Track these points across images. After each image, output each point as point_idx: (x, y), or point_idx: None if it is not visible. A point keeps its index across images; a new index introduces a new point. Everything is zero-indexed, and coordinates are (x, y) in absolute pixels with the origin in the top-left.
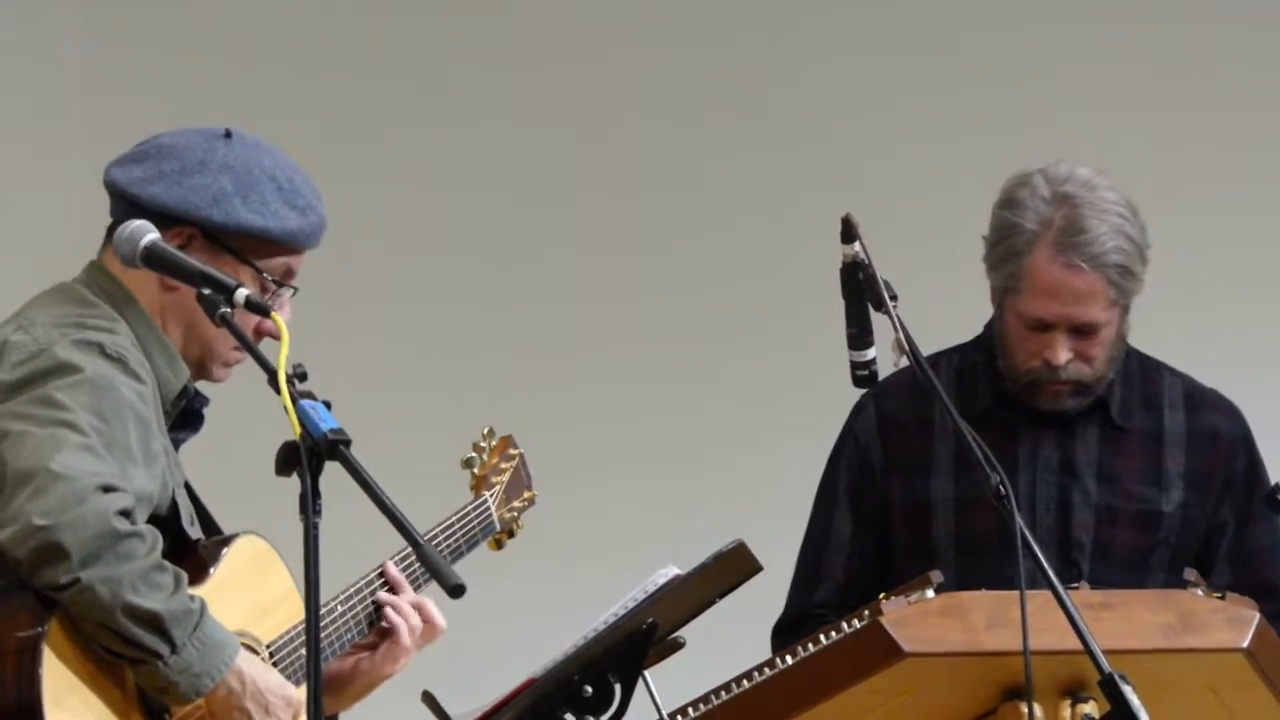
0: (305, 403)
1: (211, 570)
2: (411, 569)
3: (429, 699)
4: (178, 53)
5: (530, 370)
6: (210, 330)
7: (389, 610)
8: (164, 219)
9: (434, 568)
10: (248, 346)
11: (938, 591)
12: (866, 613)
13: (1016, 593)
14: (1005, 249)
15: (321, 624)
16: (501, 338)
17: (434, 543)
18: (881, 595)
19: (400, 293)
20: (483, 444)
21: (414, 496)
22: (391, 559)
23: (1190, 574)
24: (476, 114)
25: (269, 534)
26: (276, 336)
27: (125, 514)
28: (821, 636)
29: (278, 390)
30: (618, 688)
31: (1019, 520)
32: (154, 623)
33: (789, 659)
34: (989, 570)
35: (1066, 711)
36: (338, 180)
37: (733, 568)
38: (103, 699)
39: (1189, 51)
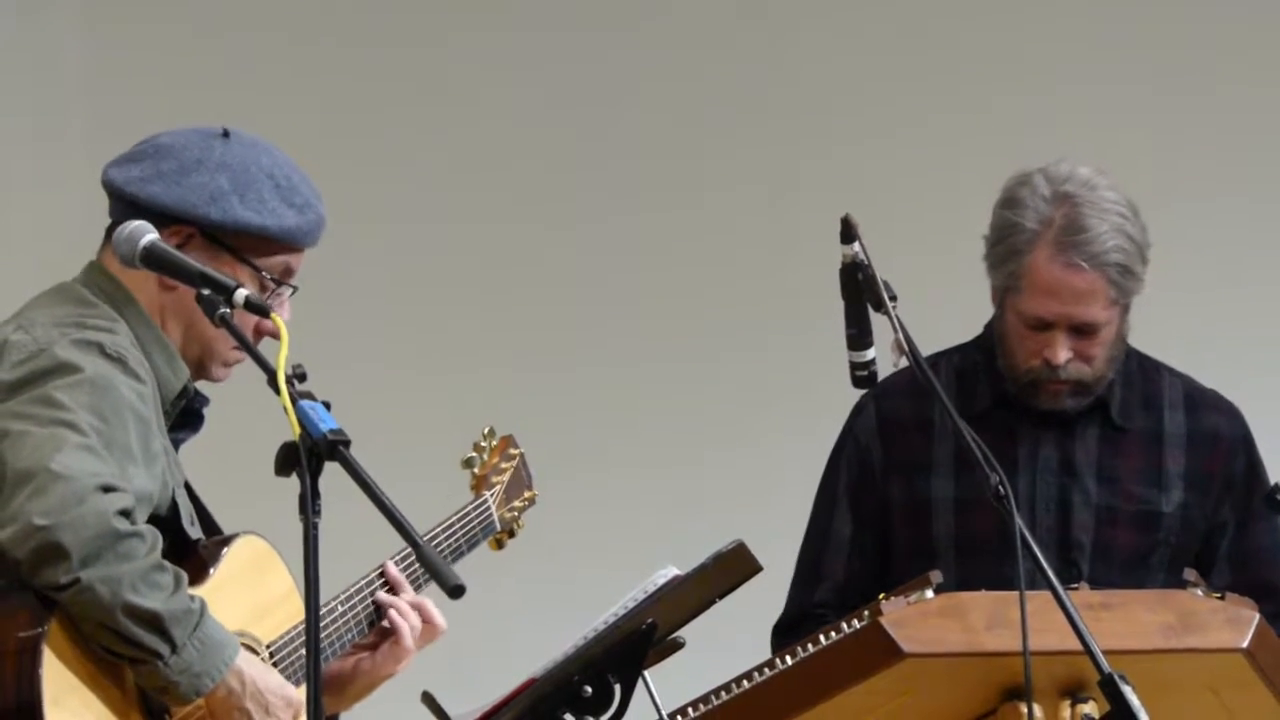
0: (305, 403)
1: (211, 570)
2: (412, 569)
3: (429, 699)
4: (177, 53)
5: (530, 370)
6: (209, 330)
7: (390, 611)
8: (162, 218)
9: (433, 568)
10: (247, 347)
11: (937, 592)
12: (866, 613)
13: (1016, 593)
14: (1005, 248)
15: (322, 624)
16: (501, 338)
17: (434, 542)
18: (881, 596)
19: (400, 293)
20: (483, 444)
21: (414, 497)
22: (392, 559)
23: (1190, 574)
24: (476, 114)
25: (269, 534)
26: (276, 336)
27: (125, 514)
28: (821, 637)
29: (277, 391)
30: (617, 688)
31: (1018, 521)
32: (154, 622)
33: (788, 659)
34: (989, 570)
35: (1066, 712)
36: (337, 180)
37: (732, 568)
38: (103, 699)
39: (1189, 51)
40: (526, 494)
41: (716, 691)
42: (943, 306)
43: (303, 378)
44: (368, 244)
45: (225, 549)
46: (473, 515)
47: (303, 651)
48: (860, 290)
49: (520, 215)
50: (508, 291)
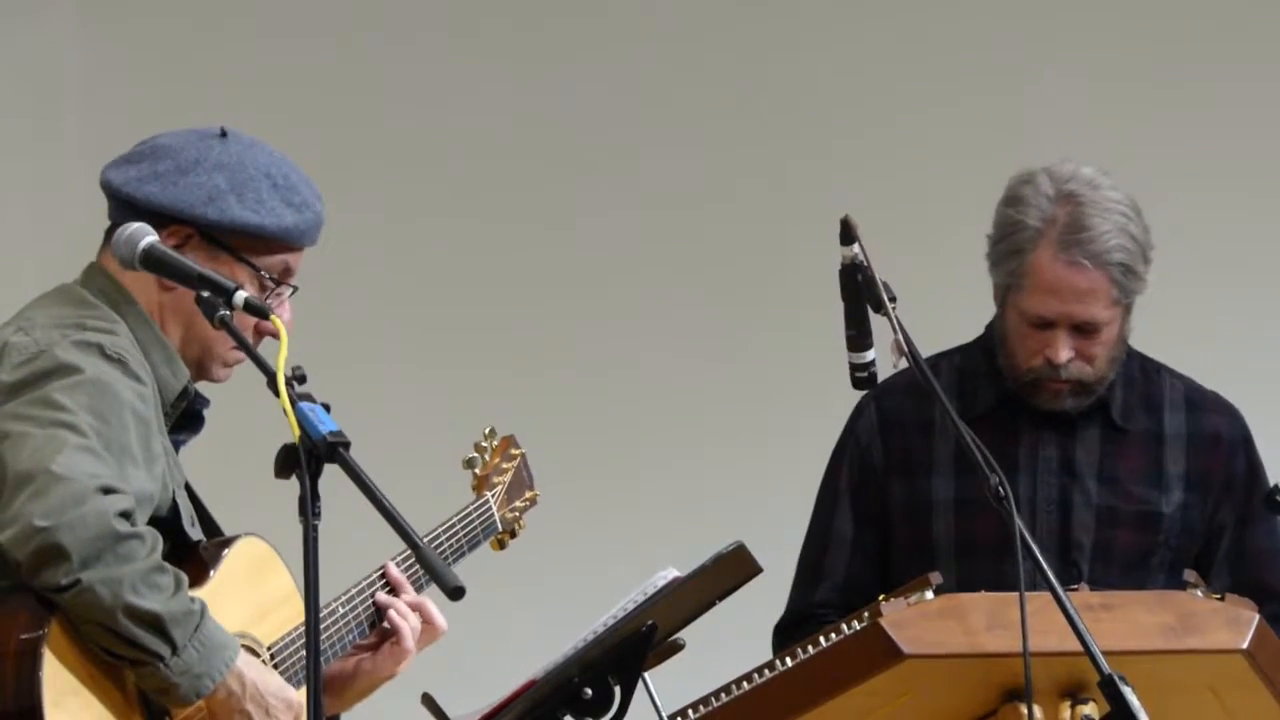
0: (304, 405)
1: (212, 572)
2: (412, 570)
3: (429, 701)
4: (176, 53)
5: (530, 371)
6: (209, 331)
7: (390, 612)
8: (160, 219)
9: (433, 570)
10: (246, 349)
11: (937, 593)
12: (866, 614)
13: (1016, 594)
14: (1008, 246)
15: (322, 625)
16: (501, 338)
17: (435, 543)
18: (881, 597)
19: (400, 293)
20: (484, 444)
21: (414, 497)
22: (392, 560)
23: (1190, 575)
24: (476, 113)
25: (269, 535)
26: (276, 336)
27: (125, 515)
28: (821, 638)
29: (277, 393)
30: (618, 689)
31: (1019, 522)
32: (154, 624)
33: (789, 661)
34: (989, 571)
35: (1066, 713)
36: (337, 180)
37: (732, 569)
38: (103, 701)
39: (1189, 50)
40: (528, 494)
41: (717, 693)
42: (943, 308)
43: (302, 379)
44: (367, 244)
45: (226, 550)
46: (474, 515)
47: (303, 653)
48: (860, 291)
49: (520, 215)
50: (508, 291)
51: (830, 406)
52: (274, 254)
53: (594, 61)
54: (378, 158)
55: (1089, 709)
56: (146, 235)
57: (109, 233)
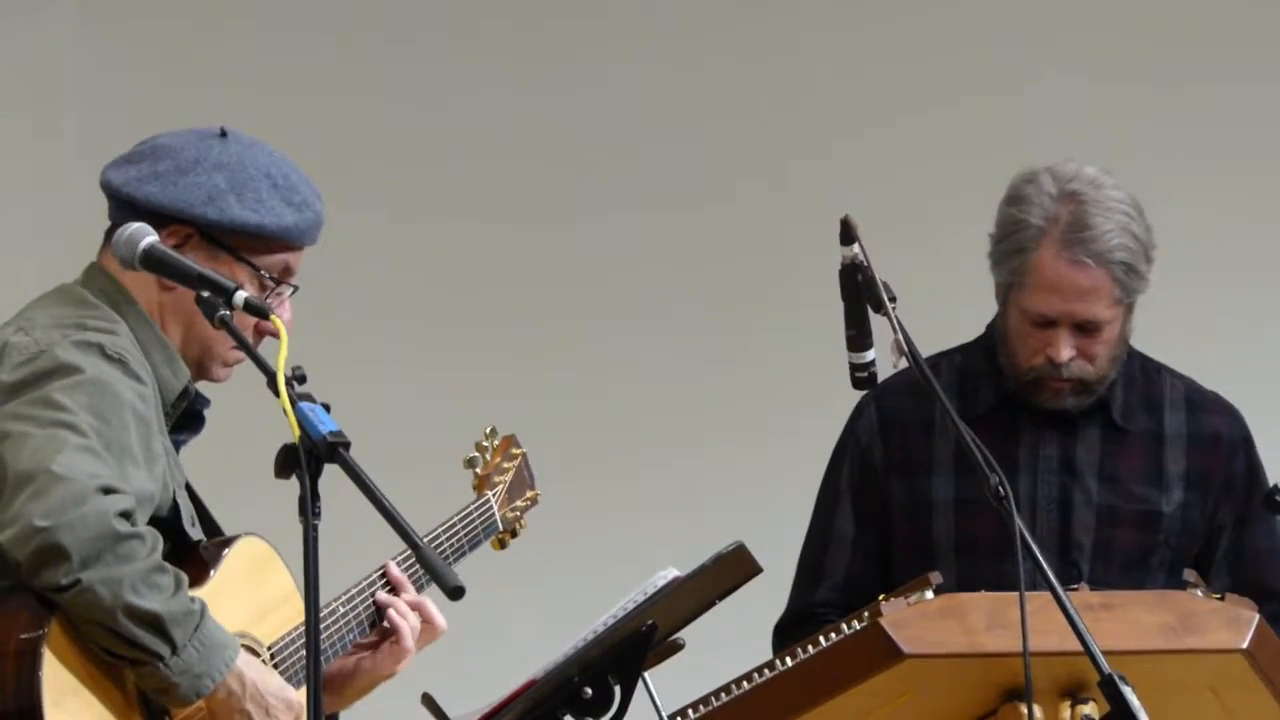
0: (304, 405)
1: (212, 571)
2: (413, 570)
3: (428, 701)
4: (175, 54)
5: (531, 371)
6: (209, 330)
7: (389, 611)
8: (160, 218)
9: (433, 570)
10: (247, 350)
11: (937, 593)
12: (866, 614)
13: (1016, 594)
14: (1010, 244)
15: (323, 625)
16: (502, 338)
17: (435, 542)
18: (881, 597)
19: (400, 293)
20: (485, 444)
21: (415, 497)
22: (393, 560)
23: (1190, 575)
24: (476, 113)
25: (270, 535)
26: (277, 336)
27: (125, 515)
28: (821, 638)
29: (277, 393)
30: (617, 689)
31: (1019, 522)
32: (154, 624)
33: (789, 660)
34: (989, 571)
35: (1066, 713)
36: (337, 180)
37: (732, 569)
38: (103, 701)
39: (1189, 49)
40: (529, 494)
41: (717, 693)
42: (943, 308)
43: (302, 379)
44: (368, 244)
45: (226, 550)
46: (475, 515)
47: (303, 652)
48: (860, 291)
49: (520, 215)
50: (508, 291)
51: (830, 406)
52: (274, 253)
53: (594, 61)
54: (378, 158)
55: (1089, 709)
56: (146, 235)
57: (109, 233)
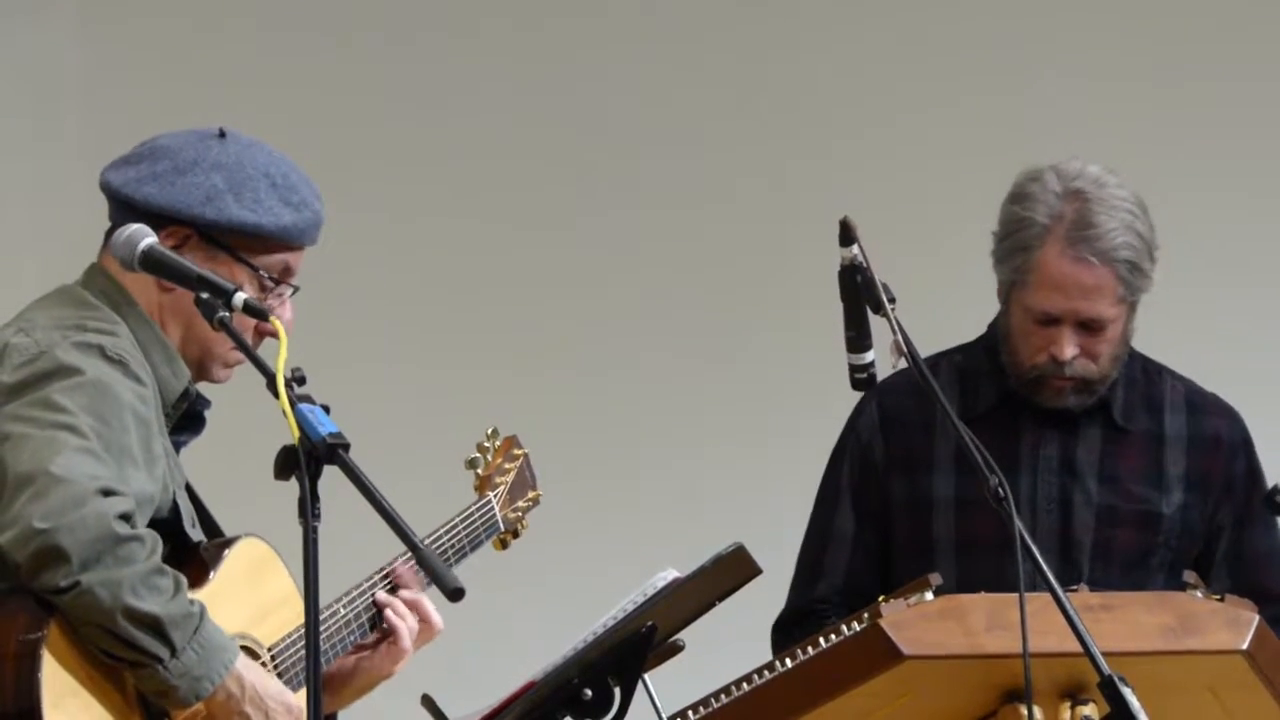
0: (304, 406)
1: (212, 573)
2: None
3: (428, 702)
4: (176, 54)
5: (531, 371)
6: (208, 331)
7: (388, 611)
8: (159, 219)
9: (432, 571)
10: (246, 351)
11: (937, 594)
12: (866, 615)
13: (1016, 595)
14: (1014, 242)
15: (323, 625)
16: (502, 338)
17: (437, 542)
18: (881, 598)
19: (400, 293)
20: (487, 444)
21: (415, 498)
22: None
23: (1189, 576)
24: (476, 113)
25: (270, 536)
26: (276, 336)
27: (125, 517)
28: (821, 639)
29: (276, 394)
30: (617, 691)
31: (1018, 523)
32: (154, 626)
33: (788, 662)
34: (989, 570)
35: (1066, 714)
36: (337, 180)
37: (732, 571)
38: (102, 702)
39: (1189, 48)
40: (530, 494)
41: (716, 694)
42: (942, 308)
43: (302, 381)
44: (368, 244)
45: (226, 551)
46: (476, 515)
47: (304, 653)
48: (859, 292)
49: (520, 215)
50: (508, 291)
51: (830, 406)
52: (273, 254)
53: (594, 61)
54: (378, 158)
55: (1089, 710)
56: (145, 237)
57: (109, 234)
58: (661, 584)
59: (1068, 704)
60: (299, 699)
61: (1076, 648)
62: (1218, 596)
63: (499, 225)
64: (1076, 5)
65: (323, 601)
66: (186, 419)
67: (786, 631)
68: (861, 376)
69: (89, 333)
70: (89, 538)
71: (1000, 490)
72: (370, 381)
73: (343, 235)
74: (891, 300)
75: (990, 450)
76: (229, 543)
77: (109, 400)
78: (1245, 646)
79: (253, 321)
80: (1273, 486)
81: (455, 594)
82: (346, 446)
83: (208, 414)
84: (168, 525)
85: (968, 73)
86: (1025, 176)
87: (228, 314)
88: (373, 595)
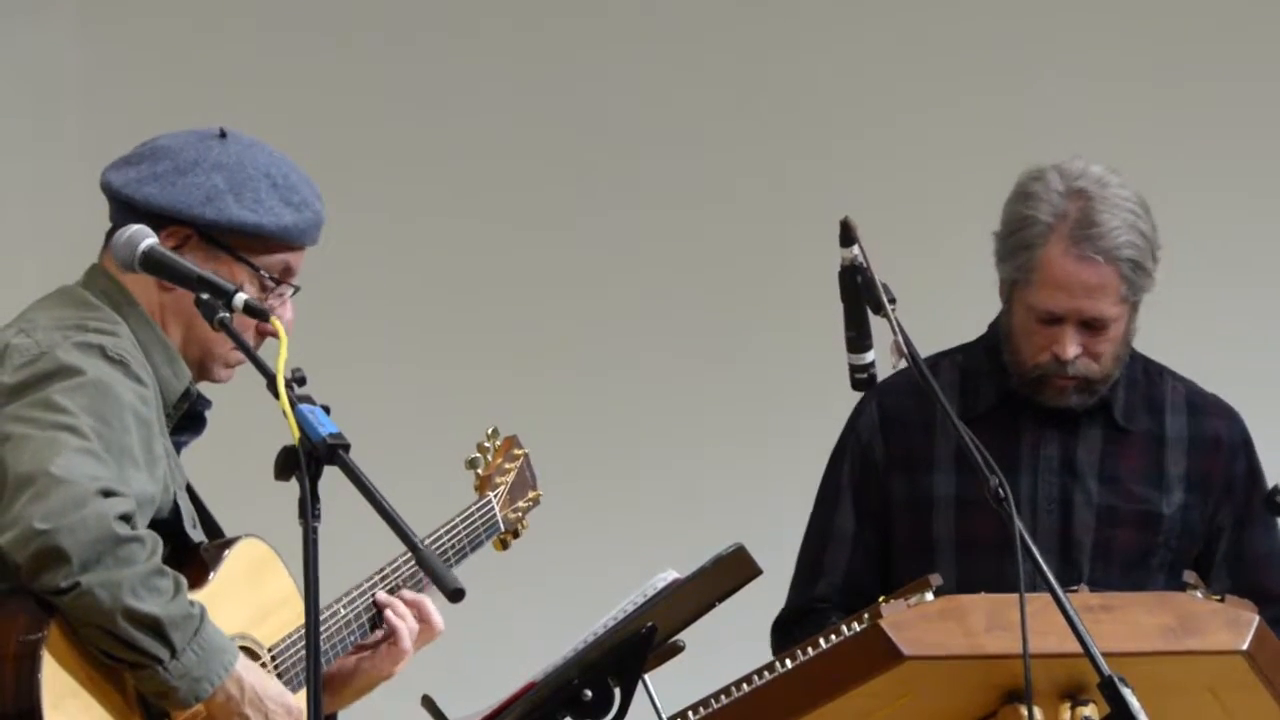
0: (304, 407)
1: (213, 573)
2: (413, 571)
3: (428, 703)
4: (176, 54)
5: (530, 371)
6: (209, 332)
7: (388, 612)
8: (159, 219)
9: (432, 572)
10: (247, 352)
11: (937, 594)
12: (866, 616)
13: (1016, 596)
14: (1018, 240)
15: (324, 626)
16: (502, 338)
17: (437, 542)
18: (881, 598)
19: (400, 293)
20: (487, 444)
21: (416, 498)
22: (393, 561)
23: (1189, 576)
24: (477, 113)
25: (270, 536)
26: (277, 337)
27: (125, 518)
28: (821, 640)
29: (276, 395)
30: (617, 691)
31: (1018, 524)
32: (154, 627)
33: (788, 663)
34: (989, 569)
35: (1066, 714)
36: (337, 180)
37: (732, 571)
38: (102, 703)
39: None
40: (531, 494)
41: (716, 695)
42: (942, 309)
43: (302, 381)
44: (368, 244)
45: (227, 552)
46: (476, 516)
47: (304, 654)
48: (859, 293)
49: (520, 215)
50: (508, 291)
51: (830, 406)
52: (273, 253)
53: (594, 61)
54: (378, 158)
55: (1089, 710)
56: (145, 238)
57: (110, 234)
58: (661, 584)
59: (1068, 704)
60: (299, 700)
61: (1076, 648)
62: (1218, 597)
63: (499, 225)
64: (1076, 5)
65: (323, 602)
66: (187, 419)
67: (786, 630)
68: (862, 377)
69: (90, 333)
70: (89, 539)
71: (1000, 491)
72: (370, 381)
73: (343, 235)
74: (892, 301)
75: (991, 450)
76: (229, 543)
77: (110, 401)
78: (1245, 647)
79: (253, 322)
80: (1273, 487)
81: (455, 595)
82: (347, 447)
83: (208, 414)
84: (168, 526)
85: (968, 73)
86: (1028, 176)
87: (228, 315)
88: (373, 596)
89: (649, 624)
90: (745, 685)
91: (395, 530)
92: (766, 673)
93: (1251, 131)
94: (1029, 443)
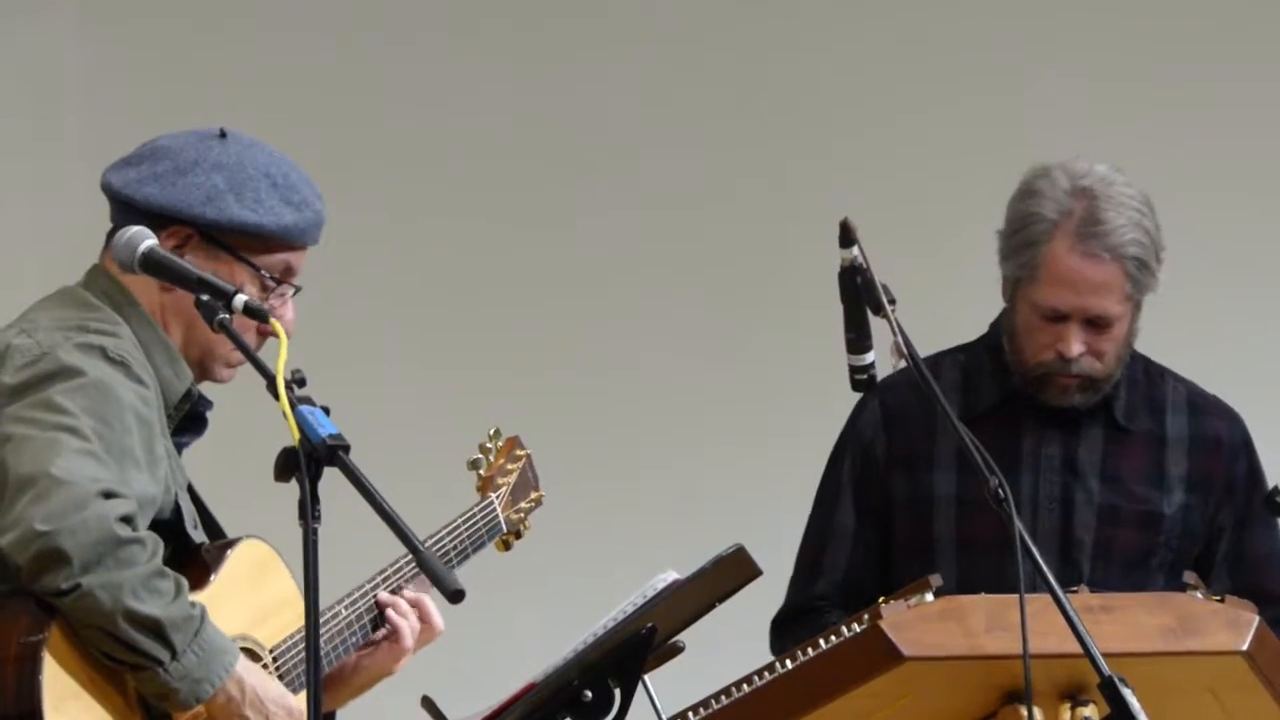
0: (304, 408)
1: (214, 574)
2: (415, 572)
3: (428, 703)
4: (176, 54)
5: (531, 371)
6: (209, 332)
7: (390, 610)
8: (159, 220)
9: (433, 573)
10: (247, 353)
11: (937, 594)
12: (866, 617)
13: (1016, 596)
14: (1022, 238)
15: (325, 627)
16: (502, 338)
17: (439, 543)
18: (881, 599)
19: (401, 293)
20: (489, 445)
21: (416, 499)
22: (394, 562)
23: (1189, 577)
24: (477, 113)
25: (272, 537)
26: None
27: (126, 520)
28: (821, 641)
29: (276, 396)
30: (617, 692)
31: (1018, 524)
32: (154, 629)
33: (788, 663)
34: (990, 569)
35: (1066, 715)
36: (337, 180)
37: (732, 572)
38: (103, 705)
39: (1189, 51)
40: (533, 495)
41: (716, 695)
42: (943, 309)
43: (302, 383)
44: (368, 244)
45: (228, 553)
46: (478, 517)
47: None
48: (859, 294)
49: (520, 215)
50: (508, 291)
51: (830, 406)
52: (274, 253)
53: (594, 61)
54: (378, 158)
55: (1089, 711)
56: (145, 239)
57: (110, 235)
58: (662, 585)
59: (1068, 705)
60: (300, 701)
61: (1076, 649)
62: (1218, 597)
63: (499, 225)
64: (1076, 5)
65: (324, 603)
66: (188, 420)
67: (785, 628)
68: (862, 378)
69: (91, 334)
70: (90, 540)
71: (1000, 491)
72: (370, 382)
73: (343, 235)
74: (892, 301)
75: (992, 449)
76: (230, 544)
77: (111, 402)
78: (1245, 647)
79: (254, 322)
80: (1273, 488)
81: (455, 596)
82: (347, 448)
83: (209, 415)
84: (169, 527)
85: (968, 73)
86: (1033, 174)
87: (228, 316)
88: (374, 597)
89: (649, 625)
90: (745, 686)
91: (395, 531)
92: (766, 673)
93: (1252, 131)
94: (1030, 442)
